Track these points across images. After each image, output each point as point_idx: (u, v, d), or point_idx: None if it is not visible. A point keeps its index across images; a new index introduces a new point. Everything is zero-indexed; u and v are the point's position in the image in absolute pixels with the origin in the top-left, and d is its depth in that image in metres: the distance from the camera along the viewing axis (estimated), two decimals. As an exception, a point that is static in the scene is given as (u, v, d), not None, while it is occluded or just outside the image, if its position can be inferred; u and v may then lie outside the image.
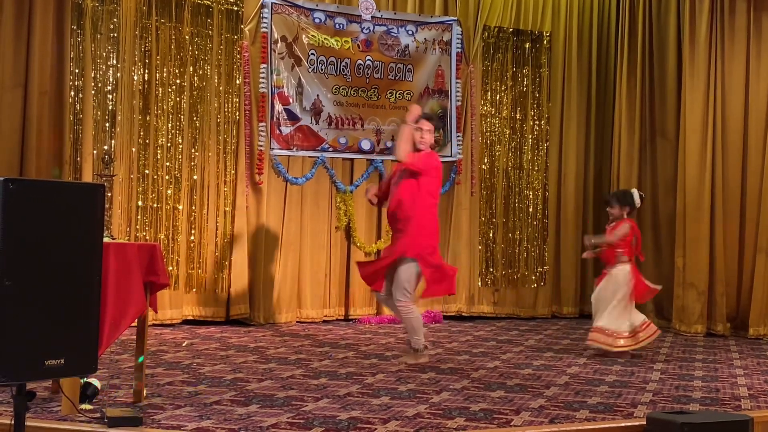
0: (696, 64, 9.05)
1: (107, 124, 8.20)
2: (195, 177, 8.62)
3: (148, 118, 8.40)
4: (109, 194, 7.26)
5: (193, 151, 8.63)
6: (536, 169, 10.25)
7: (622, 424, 4.82)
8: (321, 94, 9.22)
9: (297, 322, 9.03)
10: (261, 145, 8.85)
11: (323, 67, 9.25)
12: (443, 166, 9.62)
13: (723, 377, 6.38)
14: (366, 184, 9.36)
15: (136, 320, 5.04)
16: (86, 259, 3.86)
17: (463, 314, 9.81)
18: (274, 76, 8.99)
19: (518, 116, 10.23)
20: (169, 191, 8.47)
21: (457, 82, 9.86)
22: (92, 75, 8.11)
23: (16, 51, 7.69)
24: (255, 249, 8.85)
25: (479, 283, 9.92)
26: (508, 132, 10.15)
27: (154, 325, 8.01)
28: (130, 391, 5.13)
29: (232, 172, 8.79)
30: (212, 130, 8.70)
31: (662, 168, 9.60)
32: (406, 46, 9.65)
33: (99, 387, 4.91)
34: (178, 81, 8.56)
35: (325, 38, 9.26)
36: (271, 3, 8.97)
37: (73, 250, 3.80)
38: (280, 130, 9.01)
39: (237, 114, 8.83)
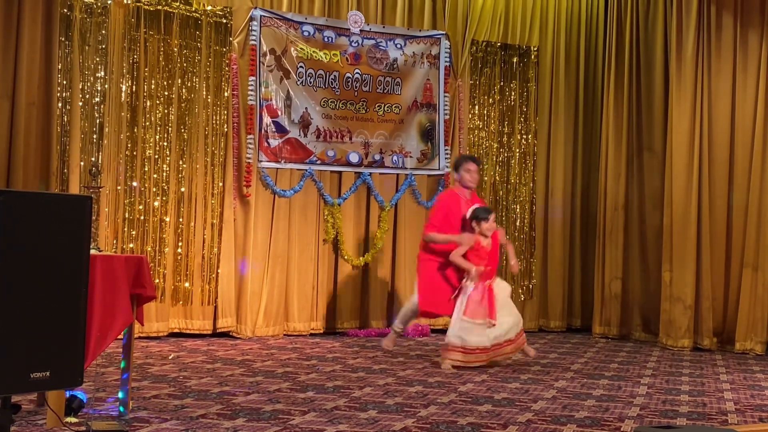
0: (683, 79, 9.09)
1: (95, 136, 8.18)
2: (182, 189, 8.60)
3: (135, 130, 8.38)
4: (96, 206, 7.25)
5: (180, 163, 8.62)
6: (523, 183, 10.28)
7: (610, 439, 4.83)
8: (309, 106, 9.23)
9: (284, 335, 9.00)
10: (249, 158, 8.85)
11: (312, 80, 9.26)
12: (431, 180, 9.81)
13: (710, 392, 6.38)
14: (354, 197, 9.39)
15: (122, 333, 5.01)
16: (73, 271, 3.85)
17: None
18: (263, 89, 8.99)
19: (506, 130, 10.26)
20: (156, 203, 8.46)
21: (445, 96, 9.88)
22: (80, 86, 8.10)
23: (4, 62, 7.67)
24: (242, 261, 8.83)
25: (467, 297, 9.91)
26: (495, 146, 10.18)
27: (140, 337, 7.98)
28: (115, 404, 5.10)
29: (220, 184, 8.78)
30: (200, 143, 8.69)
31: (649, 182, 9.62)
32: (395, 60, 9.67)
33: (84, 400, 4.88)
34: (166, 93, 8.56)
35: (313, 51, 9.27)
36: (260, 16, 8.98)
37: (60, 261, 3.79)
38: (268, 143, 9.00)
39: (225, 126, 8.83)
